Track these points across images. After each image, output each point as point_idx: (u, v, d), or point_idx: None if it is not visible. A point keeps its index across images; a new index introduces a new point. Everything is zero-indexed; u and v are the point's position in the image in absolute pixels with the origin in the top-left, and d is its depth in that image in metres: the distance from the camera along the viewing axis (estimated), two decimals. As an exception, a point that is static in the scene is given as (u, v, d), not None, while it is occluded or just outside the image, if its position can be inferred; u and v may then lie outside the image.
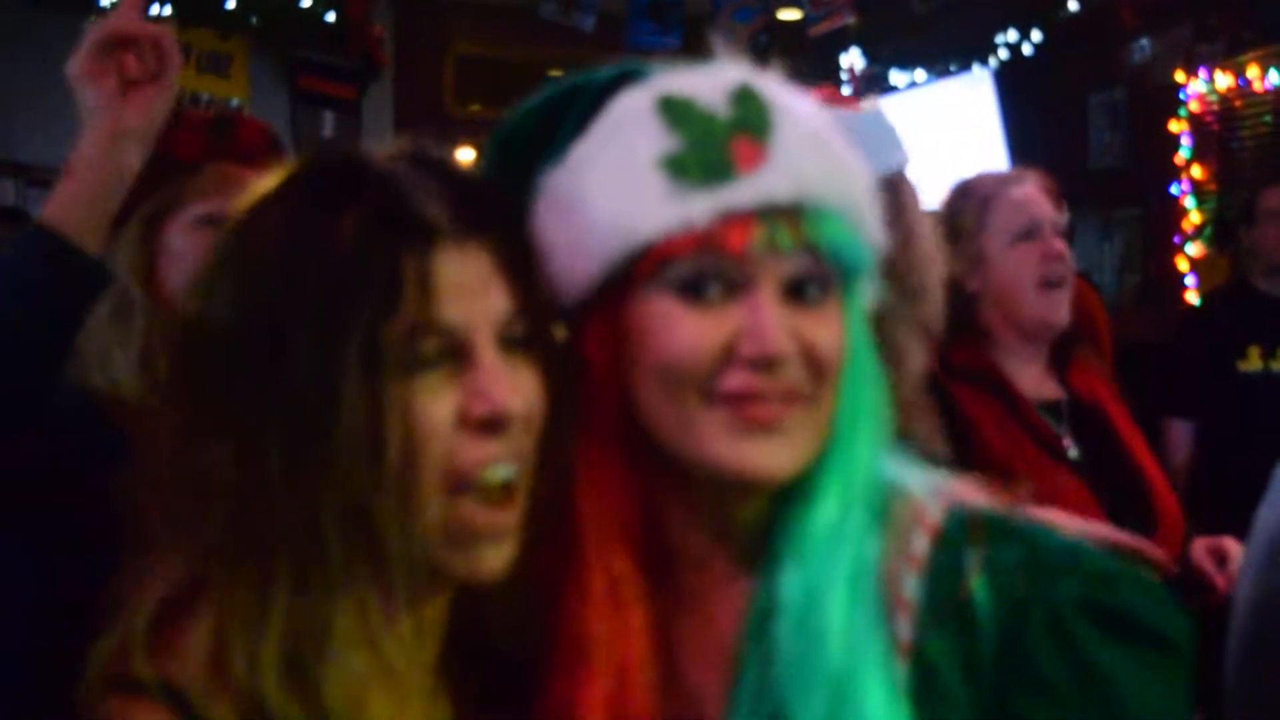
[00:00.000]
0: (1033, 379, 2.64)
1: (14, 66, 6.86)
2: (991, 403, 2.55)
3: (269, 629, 0.96)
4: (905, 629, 1.02)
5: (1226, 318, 4.49)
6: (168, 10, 6.82)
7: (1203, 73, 6.94)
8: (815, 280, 1.05)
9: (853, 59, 9.31)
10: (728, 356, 1.02)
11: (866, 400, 1.09)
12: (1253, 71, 6.68)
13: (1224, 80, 6.86)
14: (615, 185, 1.05)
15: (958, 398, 2.49)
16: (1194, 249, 6.99)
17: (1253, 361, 4.32)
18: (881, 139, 2.02)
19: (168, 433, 1.03)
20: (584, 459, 1.07)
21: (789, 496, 1.07)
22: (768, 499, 1.08)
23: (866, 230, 1.09)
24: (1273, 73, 6.53)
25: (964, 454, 2.39)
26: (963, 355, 2.55)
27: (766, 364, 1.02)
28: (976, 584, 1.02)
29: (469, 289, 1.01)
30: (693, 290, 1.03)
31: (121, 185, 1.61)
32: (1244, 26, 6.73)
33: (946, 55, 8.58)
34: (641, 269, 1.04)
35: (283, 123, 8.30)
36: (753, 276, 1.03)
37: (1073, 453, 2.55)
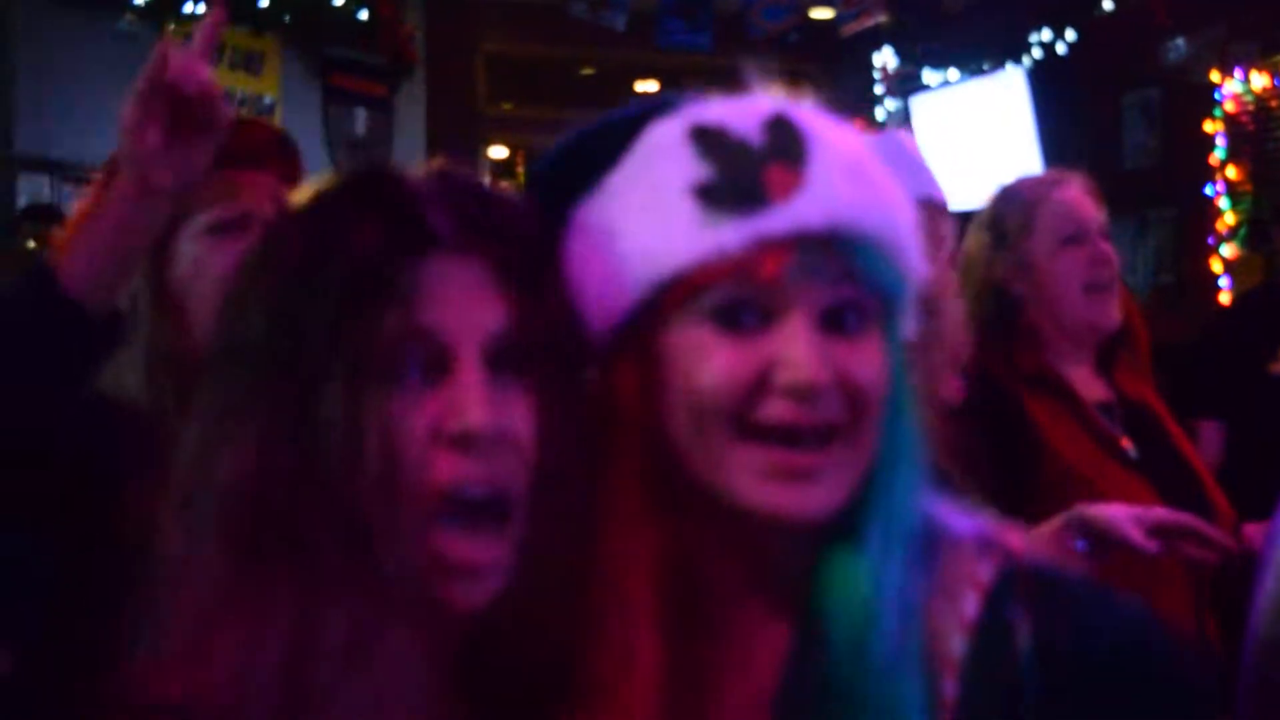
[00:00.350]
0: (1084, 381, 2.63)
1: (47, 65, 6.92)
2: (1053, 405, 2.54)
3: (265, 641, 0.94)
4: (950, 687, 1.00)
5: (1258, 319, 4.46)
6: (201, 8, 6.87)
7: (1238, 72, 6.89)
8: (854, 309, 1.01)
9: (885, 58, 9.29)
10: (762, 386, 0.99)
11: (908, 435, 1.06)
12: (1289, 71, 6.64)
13: (1260, 80, 6.82)
14: (647, 214, 1.03)
15: (1022, 401, 2.49)
16: (1228, 250, 6.95)
17: (1285, 364, 4.30)
18: (903, 168, 2.03)
19: (191, 442, 1.01)
20: (609, 495, 1.04)
21: (829, 535, 1.03)
22: (806, 537, 1.04)
23: (905, 260, 1.06)
24: (1309, 72, 6.50)
25: (1029, 457, 2.42)
26: (1022, 359, 2.56)
27: (803, 393, 0.98)
28: (1025, 650, 0.99)
29: (457, 297, 0.99)
30: (727, 319, 1.00)
31: (144, 241, 1.57)
32: (1280, 26, 6.69)
33: (980, 54, 8.55)
34: (673, 298, 1.01)
35: (315, 120, 8.36)
36: (788, 305, 1.00)
37: (1132, 453, 2.55)
